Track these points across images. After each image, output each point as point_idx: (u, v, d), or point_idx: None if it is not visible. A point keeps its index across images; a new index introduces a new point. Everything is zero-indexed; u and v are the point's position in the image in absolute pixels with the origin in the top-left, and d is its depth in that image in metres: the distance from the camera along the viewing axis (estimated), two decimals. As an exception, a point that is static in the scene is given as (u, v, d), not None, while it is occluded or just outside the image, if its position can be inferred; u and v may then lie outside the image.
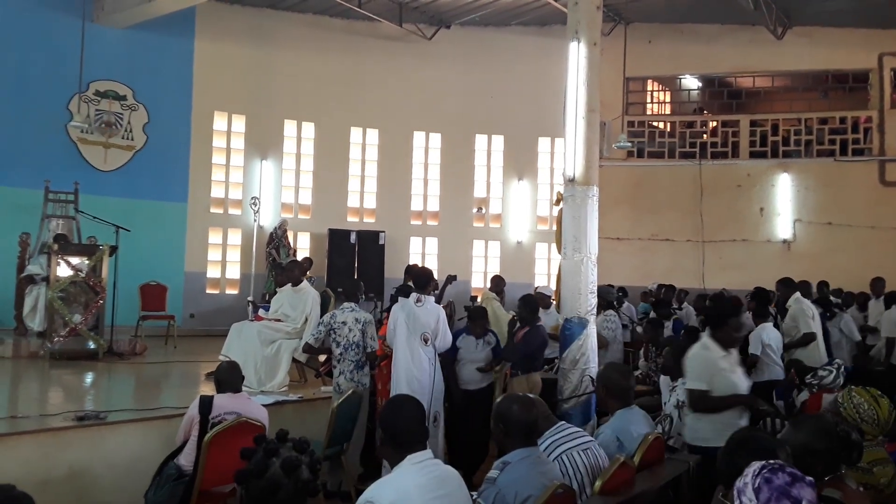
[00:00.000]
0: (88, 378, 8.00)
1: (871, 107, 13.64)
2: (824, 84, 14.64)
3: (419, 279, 6.08)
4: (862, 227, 12.88)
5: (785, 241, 13.71)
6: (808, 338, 7.57)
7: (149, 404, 6.22)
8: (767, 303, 7.90)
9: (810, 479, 2.12)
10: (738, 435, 2.63)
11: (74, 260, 8.91)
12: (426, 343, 5.79)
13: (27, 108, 11.41)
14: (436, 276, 9.58)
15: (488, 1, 13.59)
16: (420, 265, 11.04)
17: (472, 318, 6.71)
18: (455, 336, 6.35)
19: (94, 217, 9.52)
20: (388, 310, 7.91)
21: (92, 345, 8.85)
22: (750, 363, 6.89)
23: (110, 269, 9.16)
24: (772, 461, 2.16)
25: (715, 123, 14.89)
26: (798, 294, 7.92)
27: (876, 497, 3.04)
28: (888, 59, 13.43)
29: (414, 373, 5.72)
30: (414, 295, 5.94)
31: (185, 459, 4.50)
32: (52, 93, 11.69)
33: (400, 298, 6.15)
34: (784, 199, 13.81)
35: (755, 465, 2.15)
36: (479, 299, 9.55)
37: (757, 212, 13.93)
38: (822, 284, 10.45)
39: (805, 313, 7.70)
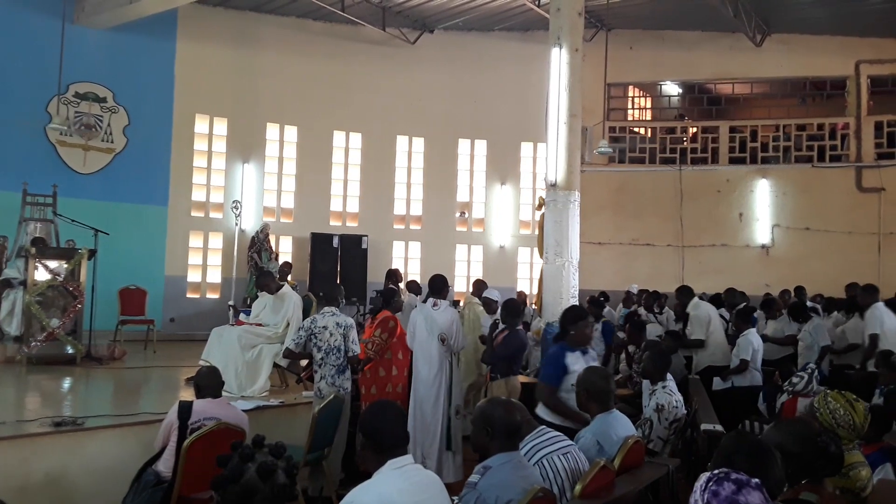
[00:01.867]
0: (66, 383, 7.90)
1: (849, 114, 13.85)
2: (802, 91, 14.87)
3: (435, 284, 6.45)
4: (839, 232, 13.07)
5: (763, 246, 13.87)
6: (696, 343, 7.74)
7: (127, 410, 6.14)
8: (752, 311, 7.99)
9: (756, 480, 2.11)
10: (728, 443, 2.55)
11: (52, 264, 8.81)
12: (443, 343, 6.20)
13: (5, 110, 11.26)
14: (419, 281, 9.61)
15: (472, 6, 13.63)
16: (396, 268, 11.11)
17: (570, 322, 5.00)
18: (555, 354, 4.97)
19: (73, 220, 9.41)
20: (371, 312, 7.93)
21: (70, 349, 8.74)
22: (741, 368, 6.96)
23: (89, 272, 9.04)
24: (717, 471, 2.13)
25: (695, 129, 15.03)
26: (696, 299, 8.07)
27: (852, 500, 3.07)
28: (865, 67, 13.64)
29: (433, 371, 6.15)
30: (431, 299, 6.39)
31: (164, 465, 4.45)
32: (30, 94, 11.55)
33: (418, 303, 6.61)
34: (763, 205, 13.98)
35: (702, 479, 2.13)
36: (461, 304, 9.54)
37: (736, 217, 14.08)
38: (799, 290, 10.58)
39: (701, 319, 7.81)
